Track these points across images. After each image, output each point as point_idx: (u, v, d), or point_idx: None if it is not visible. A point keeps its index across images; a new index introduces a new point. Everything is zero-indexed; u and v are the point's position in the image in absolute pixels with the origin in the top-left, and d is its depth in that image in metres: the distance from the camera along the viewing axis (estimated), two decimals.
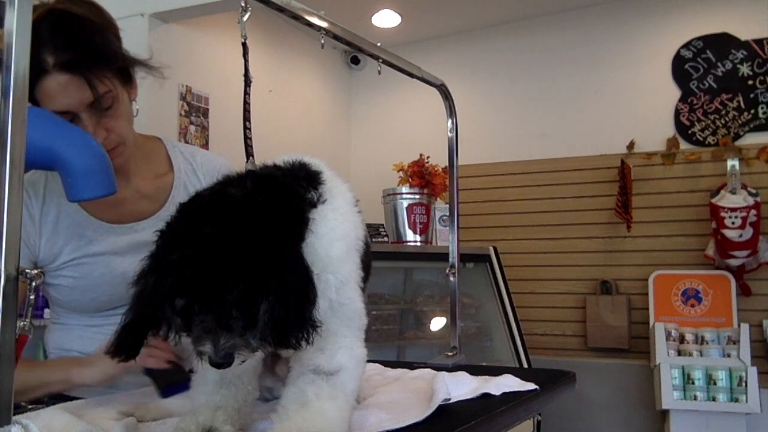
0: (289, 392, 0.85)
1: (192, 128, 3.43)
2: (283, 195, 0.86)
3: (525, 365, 3.41)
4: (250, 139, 1.24)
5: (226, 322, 0.76)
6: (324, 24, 1.34)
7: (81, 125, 1.18)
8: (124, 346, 0.83)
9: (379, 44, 1.53)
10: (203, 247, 0.77)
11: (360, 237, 0.95)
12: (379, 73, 1.56)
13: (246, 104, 1.23)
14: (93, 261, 1.28)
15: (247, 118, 1.23)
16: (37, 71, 1.12)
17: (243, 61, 1.21)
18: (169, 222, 0.82)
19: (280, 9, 1.23)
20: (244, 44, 1.21)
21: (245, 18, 1.19)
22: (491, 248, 3.69)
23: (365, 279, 0.97)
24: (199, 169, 1.42)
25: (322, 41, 1.36)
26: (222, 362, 0.76)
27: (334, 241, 0.87)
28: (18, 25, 0.64)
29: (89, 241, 1.29)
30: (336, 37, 1.39)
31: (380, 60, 1.54)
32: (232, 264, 0.77)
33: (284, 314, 0.78)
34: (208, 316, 0.76)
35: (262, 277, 0.78)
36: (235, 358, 0.77)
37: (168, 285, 0.78)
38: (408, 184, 3.60)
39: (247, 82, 1.23)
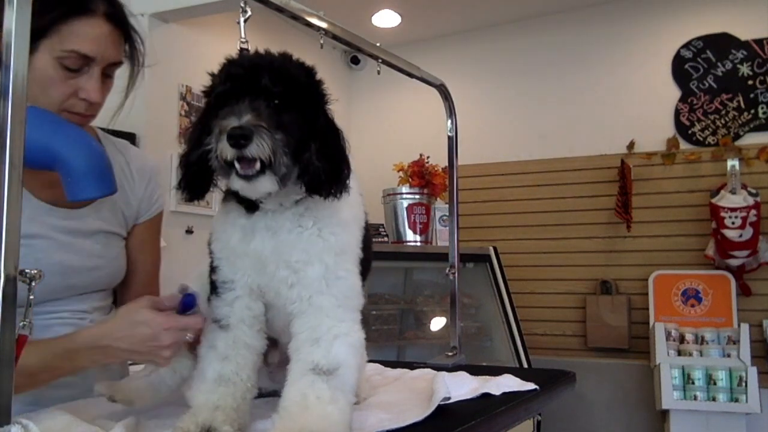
0: (290, 394, 0.84)
1: None
2: None
3: (525, 365, 3.41)
4: None
5: (258, 107, 0.81)
6: (323, 24, 1.34)
7: (83, 78, 1.13)
8: (192, 184, 0.89)
9: (378, 44, 1.53)
10: (260, 57, 0.89)
11: (362, 217, 0.97)
12: (378, 73, 1.56)
13: None
14: (28, 243, 1.14)
15: None
16: (80, 9, 1.10)
17: None
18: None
19: (280, 9, 1.23)
20: (241, 50, 1.21)
21: (243, 20, 1.18)
22: (491, 248, 3.69)
23: (365, 267, 0.97)
24: (132, 162, 1.35)
25: (321, 41, 1.36)
26: (239, 135, 0.78)
27: (343, 204, 0.89)
28: (17, 25, 0.64)
29: (26, 219, 1.22)
30: (335, 38, 1.39)
31: (379, 60, 1.54)
32: (288, 72, 0.86)
33: (327, 162, 0.85)
34: (243, 100, 0.81)
35: (313, 109, 0.87)
36: (253, 143, 0.78)
37: (212, 83, 0.88)
38: (408, 184, 3.60)
39: None
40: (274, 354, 1.01)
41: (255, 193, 0.83)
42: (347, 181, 0.86)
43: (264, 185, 0.81)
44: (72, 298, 1.20)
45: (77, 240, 1.21)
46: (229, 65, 0.88)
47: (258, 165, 0.79)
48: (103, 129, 1.35)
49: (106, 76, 1.18)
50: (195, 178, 0.88)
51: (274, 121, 0.80)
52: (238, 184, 0.81)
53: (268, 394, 1.04)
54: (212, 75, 0.90)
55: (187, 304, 1.00)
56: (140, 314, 0.97)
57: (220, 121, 0.80)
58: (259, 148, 0.78)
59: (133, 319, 0.98)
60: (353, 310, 0.90)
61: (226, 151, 0.79)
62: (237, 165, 0.80)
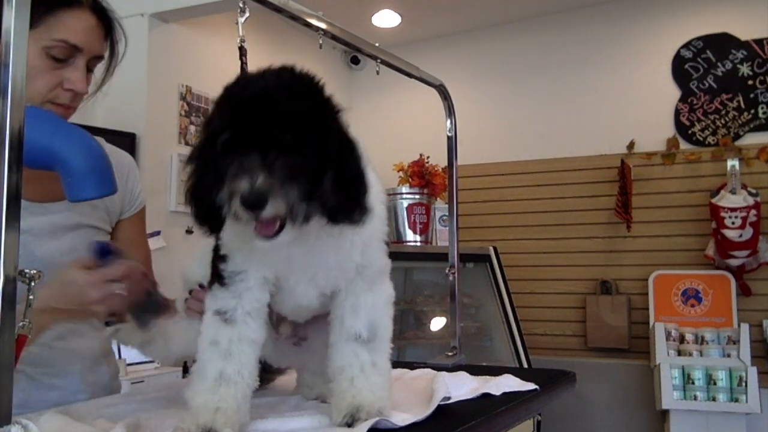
0: (336, 367, 0.91)
1: (192, 128, 3.43)
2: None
3: (525, 365, 3.40)
4: None
5: (270, 162, 0.74)
6: (322, 25, 1.34)
7: (69, 69, 1.14)
8: (208, 219, 0.83)
9: (377, 44, 1.53)
10: (264, 91, 0.78)
11: (380, 191, 0.94)
12: (378, 73, 1.55)
13: None
14: None
15: None
16: (67, 1, 1.11)
17: (243, 60, 1.21)
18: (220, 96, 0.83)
19: (279, 9, 1.23)
20: (240, 47, 1.21)
21: (242, 20, 1.18)
22: (491, 248, 3.69)
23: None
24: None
25: (321, 42, 1.36)
26: (254, 202, 0.72)
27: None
28: (16, 24, 0.64)
29: None
30: (335, 38, 1.39)
31: (379, 60, 1.54)
32: (294, 108, 0.77)
33: (344, 191, 0.79)
34: (252, 153, 0.74)
35: (324, 138, 0.79)
36: (269, 206, 0.73)
37: (216, 124, 0.78)
38: (408, 184, 3.60)
39: None
40: (285, 326, 1.01)
41: (277, 247, 0.80)
42: (367, 202, 0.82)
43: (284, 238, 0.78)
44: None
45: (57, 235, 1.21)
46: (231, 105, 0.79)
47: (277, 224, 0.76)
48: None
49: (88, 69, 1.19)
50: (211, 216, 0.83)
51: (287, 170, 0.75)
52: (257, 244, 0.78)
53: (268, 374, 1.05)
54: (213, 108, 0.83)
55: (99, 251, 1.06)
56: (67, 274, 1.03)
57: (230, 181, 0.75)
58: (276, 208, 0.74)
59: (62, 280, 1.03)
60: (382, 281, 0.95)
61: (241, 213, 0.75)
62: (255, 225, 0.77)
